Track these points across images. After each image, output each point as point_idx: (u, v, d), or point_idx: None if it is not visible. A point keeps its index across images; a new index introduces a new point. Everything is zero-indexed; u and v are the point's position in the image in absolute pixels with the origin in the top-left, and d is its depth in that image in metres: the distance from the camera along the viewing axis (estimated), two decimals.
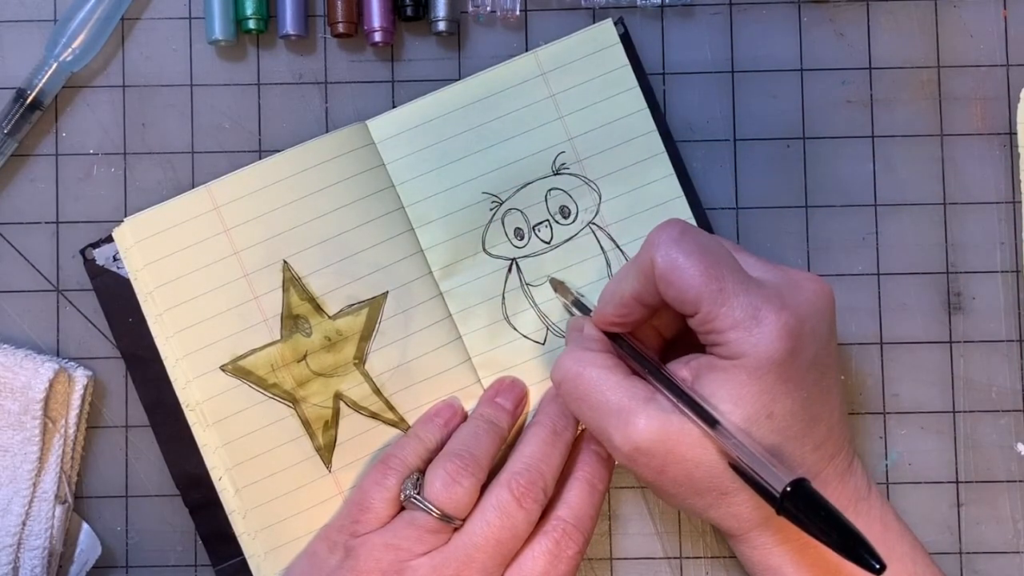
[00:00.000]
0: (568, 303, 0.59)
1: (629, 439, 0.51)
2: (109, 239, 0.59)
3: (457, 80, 0.60)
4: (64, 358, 0.60)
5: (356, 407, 0.59)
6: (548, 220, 0.60)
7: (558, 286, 0.60)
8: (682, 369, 0.52)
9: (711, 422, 0.50)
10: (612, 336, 0.55)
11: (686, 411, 0.51)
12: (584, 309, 0.58)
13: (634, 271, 0.53)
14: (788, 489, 0.47)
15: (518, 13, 0.61)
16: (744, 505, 0.52)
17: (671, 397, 0.51)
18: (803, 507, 0.47)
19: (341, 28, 0.60)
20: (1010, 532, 0.60)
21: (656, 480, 0.52)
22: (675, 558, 0.61)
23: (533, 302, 0.60)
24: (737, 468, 0.50)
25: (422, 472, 0.56)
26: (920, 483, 0.60)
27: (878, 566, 0.45)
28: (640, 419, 0.51)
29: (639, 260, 0.52)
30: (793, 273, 0.53)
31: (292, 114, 0.61)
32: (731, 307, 0.50)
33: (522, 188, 0.60)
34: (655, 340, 0.57)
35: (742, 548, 0.54)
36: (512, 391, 0.59)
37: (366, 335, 0.59)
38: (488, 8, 0.61)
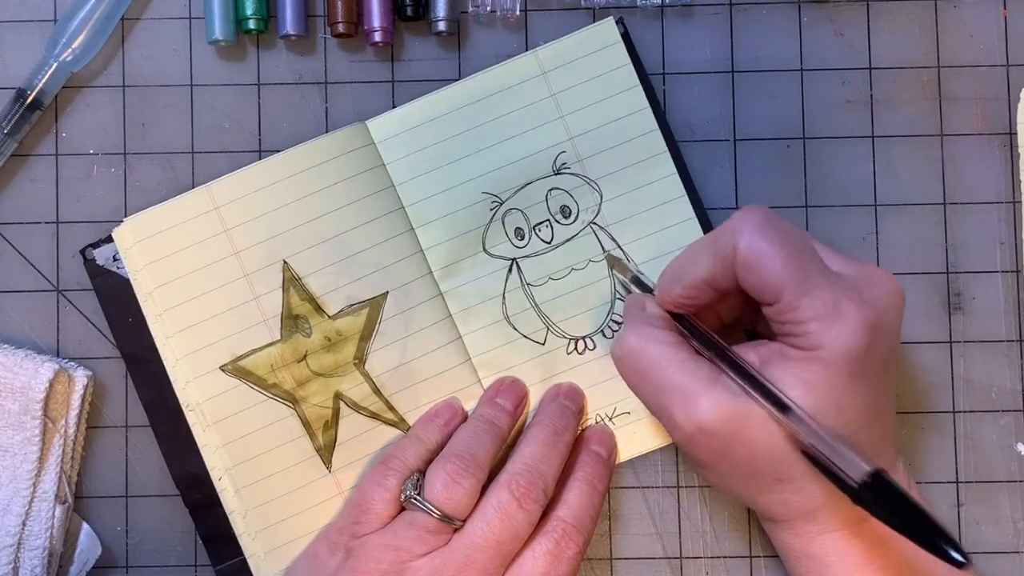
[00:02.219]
0: (626, 280, 0.59)
1: (693, 419, 0.51)
2: (109, 239, 0.59)
3: (457, 80, 0.60)
4: (64, 358, 0.60)
5: (356, 407, 0.59)
6: (549, 220, 0.60)
7: (615, 263, 0.59)
8: (749, 354, 0.52)
9: (782, 407, 0.49)
10: (675, 316, 0.55)
11: (755, 395, 0.50)
12: (644, 287, 0.57)
13: (710, 255, 0.52)
14: (868, 480, 0.47)
15: (518, 13, 0.61)
16: (797, 493, 0.52)
17: (738, 380, 0.51)
18: (883, 498, 0.47)
19: (341, 28, 0.60)
20: (1010, 532, 0.60)
21: (712, 461, 0.52)
22: (675, 558, 0.61)
23: (534, 302, 0.60)
24: (810, 455, 0.50)
25: (422, 473, 0.56)
26: (920, 483, 0.60)
27: (962, 559, 0.44)
28: (705, 400, 0.51)
29: (718, 245, 0.52)
30: (868, 268, 0.53)
31: (292, 114, 0.61)
32: (813, 298, 0.50)
33: (523, 188, 0.60)
34: (714, 323, 0.56)
35: (783, 535, 0.54)
36: (512, 391, 0.59)
37: (366, 335, 0.59)
38: (488, 8, 0.61)
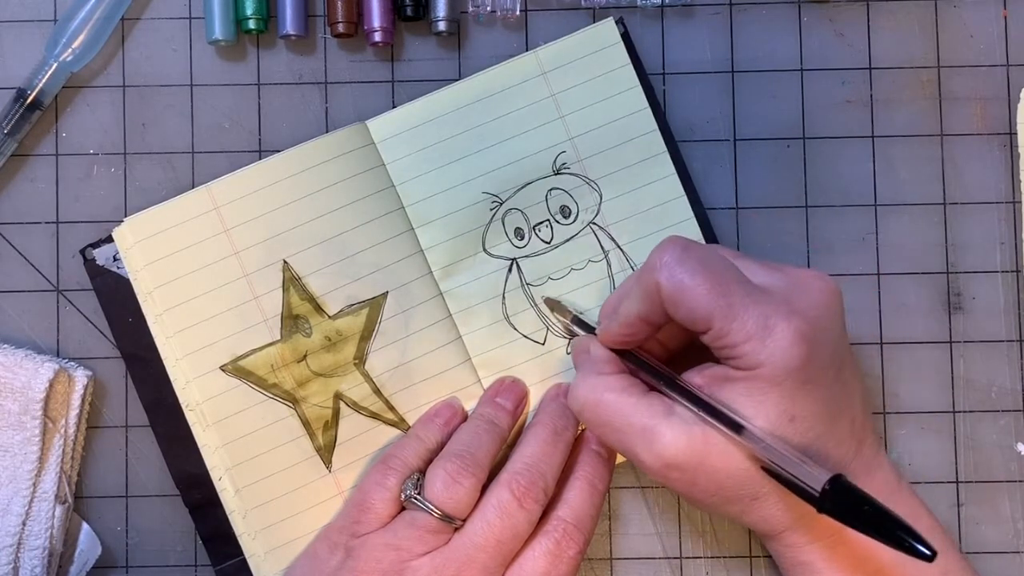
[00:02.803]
0: (567, 322, 0.59)
1: (658, 456, 0.51)
2: (109, 239, 0.59)
3: (457, 80, 0.60)
4: (64, 358, 0.60)
5: (356, 407, 0.59)
6: (549, 220, 0.60)
7: (554, 306, 0.59)
8: (696, 379, 0.52)
9: (736, 427, 0.50)
10: (620, 351, 0.55)
11: (709, 419, 0.50)
12: (585, 327, 0.58)
13: (638, 292, 0.53)
14: (827, 488, 0.47)
15: (518, 13, 0.61)
16: (775, 507, 0.52)
17: (691, 407, 0.51)
18: (844, 503, 0.47)
19: (341, 28, 0.60)
20: (1010, 532, 0.60)
21: (689, 492, 0.52)
22: (675, 558, 0.61)
23: (533, 302, 0.60)
24: (770, 471, 0.50)
25: (422, 472, 0.56)
26: (920, 483, 0.60)
27: (929, 552, 0.44)
28: (665, 434, 0.51)
29: (643, 282, 0.52)
30: (797, 273, 0.53)
31: (292, 114, 0.61)
32: (742, 320, 0.50)
33: (522, 188, 0.60)
34: (660, 353, 0.57)
35: (775, 546, 0.55)
36: (512, 391, 0.59)
37: (366, 335, 0.59)
38: (488, 8, 0.61)
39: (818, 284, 0.53)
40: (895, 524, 0.46)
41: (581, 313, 0.59)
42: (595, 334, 0.57)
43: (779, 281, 0.52)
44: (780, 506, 0.52)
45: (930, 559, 0.45)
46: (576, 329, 0.58)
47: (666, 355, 0.57)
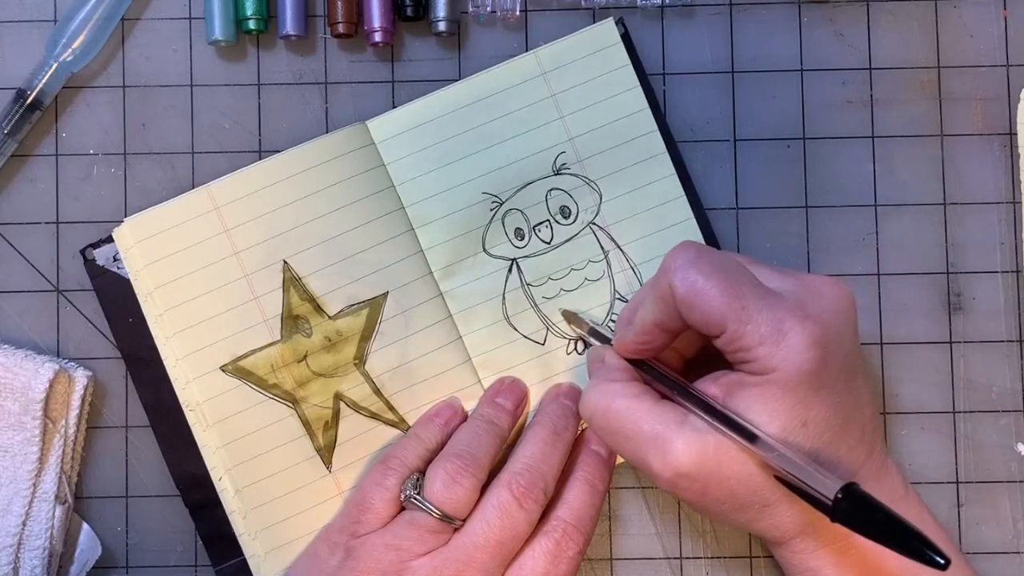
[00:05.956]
0: (584, 334, 0.59)
1: (669, 465, 0.51)
2: (109, 239, 0.59)
3: (457, 80, 0.60)
4: (64, 358, 0.60)
5: (356, 407, 0.59)
6: (548, 220, 0.60)
7: (571, 317, 0.59)
8: (711, 387, 0.52)
9: (750, 437, 0.49)
10: (635, 362, 0.55)
11: (722, 428, 0.50)
12: (601, 337, 0.58)
13: (653, 298, 0.53)
14: (840, 496, 0.47)
15: (518, 13, 0.61)
16: (786, 515, 0.52)
17: (705, 416, 0.51)
18: (857, 512, 0.46)
19: (341, 28, 0.60)
20: (1010, 532, 0.60)
21: (699, 501, 0.52)
22: (675, 558, 0.61)
23: (533, 302, 0.60)
24: (783, 480, 0.50)
25: (422, 472, 0.56)
26: (920, 483, 0.60)
27: (943, 561, 0.44)
28: (677, 443, 0.51)
29: (657, 287, 0.52)
30: (810, 279, 0.53)
31: (292, 114, 0.61)
32: (756, 323, 0.50)
33: (522, 188, 0.60)
34: (675, 361, 0.56)
35: (782, 552, 0.54)
36: (512, 391, 0.59)
37: (366, 335, 0.59)
38: (488, 8, 0.61)
39: (832, 290, 0.52)
40: (909, 532, 0.45)
41: (597, 325, 0.59)
42: (611, 344, 0.56)
43: (793, 286, 0.52)
44: (790, 513, 0.52)
45: (944, 567, 0.44)
46: (592, 341, 0.58)
47: (681, 363, 0.57)
